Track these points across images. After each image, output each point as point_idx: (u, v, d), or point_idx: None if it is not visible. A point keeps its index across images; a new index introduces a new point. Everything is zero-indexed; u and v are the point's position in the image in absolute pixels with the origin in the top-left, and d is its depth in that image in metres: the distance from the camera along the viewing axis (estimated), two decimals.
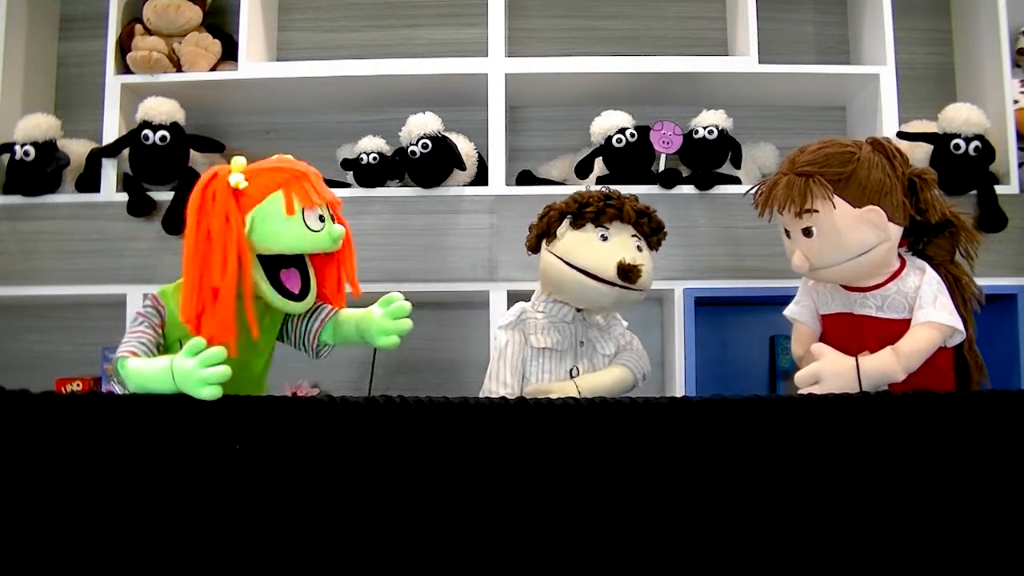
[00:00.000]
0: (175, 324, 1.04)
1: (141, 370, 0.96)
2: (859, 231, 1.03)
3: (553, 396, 1.03)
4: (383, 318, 1.05)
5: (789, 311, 1.18)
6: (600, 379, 1.24)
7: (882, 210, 1.03)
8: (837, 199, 1.03)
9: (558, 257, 1.22)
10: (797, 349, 1.17)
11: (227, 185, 1.02)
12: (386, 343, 1.05)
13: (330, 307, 1.14)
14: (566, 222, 1.24)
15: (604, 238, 1.20)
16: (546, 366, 1.26)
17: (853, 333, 1.07)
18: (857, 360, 1.01)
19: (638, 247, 1.21)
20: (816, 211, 1.03)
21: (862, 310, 1.08)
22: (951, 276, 1.11)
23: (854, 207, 1.03)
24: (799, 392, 1.03)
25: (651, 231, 1.24)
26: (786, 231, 1.10)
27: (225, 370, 0.89)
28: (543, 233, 1.27)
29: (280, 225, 1.03)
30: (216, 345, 0.92)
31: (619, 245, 1.20)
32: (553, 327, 1.26)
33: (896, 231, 1.06)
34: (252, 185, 1.03)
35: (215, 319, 0.98)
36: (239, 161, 1.04)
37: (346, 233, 1.10)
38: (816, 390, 1.01)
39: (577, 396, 1.06)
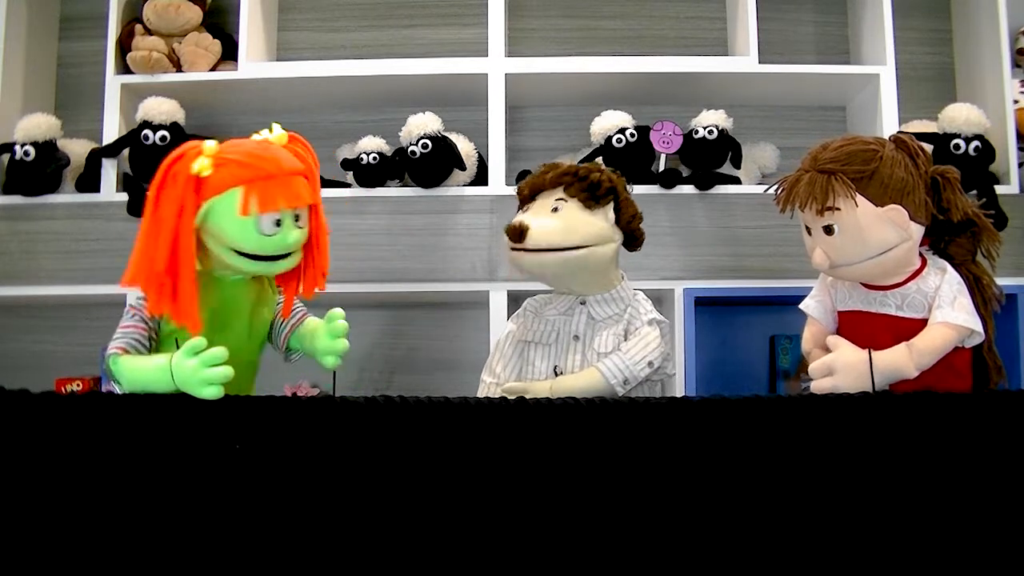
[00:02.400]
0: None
1: (136, 368, 0.95)
2: (881, 230, 1.03)
3: (526, 396, 1.03)
4: (325, 337, 1.06)
5: (804, 305, 1.17)
6: (573, 383, 1.17)
7: (904, 209, 1.03)
8: (859, 197, 1.02)
9: None
10: (807, 344, 1.16)
11: (188, 171, 0.98)
12: (330, 364, 1.06)
13: (303, 313, 1.14)
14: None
15: (525, 211, 1.22)
16: (532, 360, 1.24)
17: (871, 331, 1.07)
18: (870, 354, 1.01)
19: (554, 208, 1.19)
20: (838, 209, 1.03)
21: (881, 308, 1.08)
22: (972, 276, 1.10)
23: (876, 206, 1.03)
24: (812, 382, 1.04)
25: (582, 189, 1.19)
26: (807, 228, 1.09)
27: (227, 370, 0.90)
28: None
29: (231, 224, 0.99)
30: (184, 328, 0.95)
31: (529, 214, 1.20)
32: (540, 318, 1.24)
33: (918, 230, 1.05)
34: (216, 174, 0.98)
35: (179, 304, 0.97)
36: (209, 145, 1.00)
37: (316, 230, 1.09)
38: (829, 382, 1.01)
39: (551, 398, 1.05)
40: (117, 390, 0.98)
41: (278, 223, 1.02)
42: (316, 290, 1.12)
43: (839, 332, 1.12)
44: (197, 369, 0.89)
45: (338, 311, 1.08)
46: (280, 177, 1.02)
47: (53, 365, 1.97)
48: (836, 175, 1.03)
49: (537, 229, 1.16)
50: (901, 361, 1.01)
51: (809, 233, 1.09)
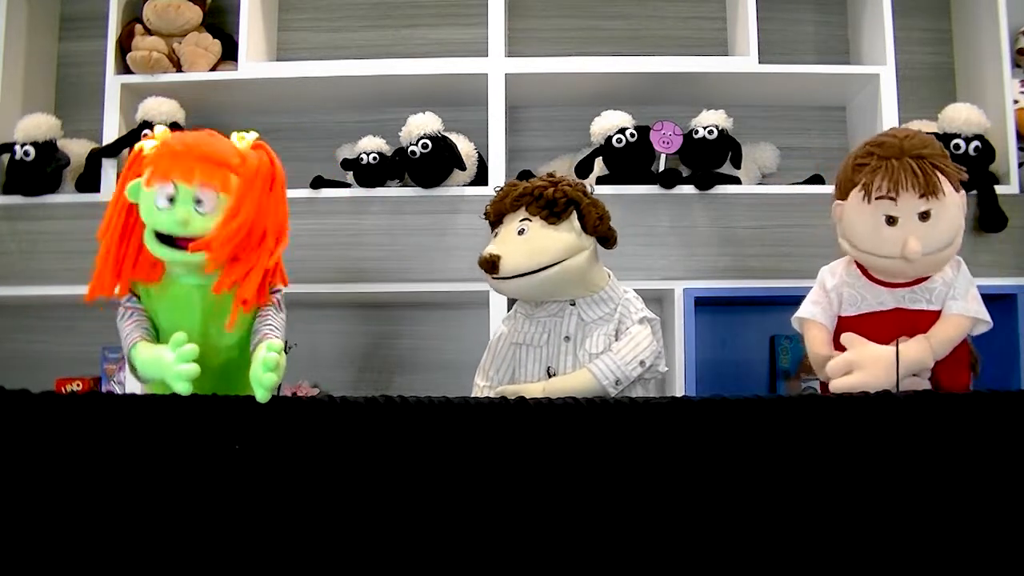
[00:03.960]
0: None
1: (146, 355, 1.02)
2: (960, 215, 1.05)
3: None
4: (257, 367, 0.95)
5: (809, 312, 1.16)
6: (566, 384, 1.17)
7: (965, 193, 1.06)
8: (948, 182, 1.04)
9: None
10: (822, 348, 1.13)
11: (139, 151, 1.06)
12: (259, 397, 0.94)
13: (264, 333, 1.07)
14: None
15: (495, 235, 1.24)
16: (525, 362, 1.24)
17: (904, 328, 1.07)
18: (897, 346, 1.02)
19: (520, 231, 1.19)
20: (943, 193, 1.03)
21: (913, 305, 1.08)
22: None
23: (956, 191, 1.05)
24: (832, 381, 1.04)
25: (541, 207, 1.19)
26: (888, 218, 1.05)
27: (194, 368, 0.93)
28: None
29: (143, 197, 1.04)
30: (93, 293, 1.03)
31: (498, 240, 1.22)
32: (531, 320, 1.25)
33: None
34: (151, 153, 1.05)
35: (96, 273, 1.04)
36: (160, 130, 1.08)
37: (240, 221, 1.04)
38: (854, 379, 1.02)
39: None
40: (117, 391, 0.99)
41: (172, 200, 1.03)
42: (280, 287, 1.13)
43: (878, 335, 1.09)
44: (173, 364, 0.93)
45: (276, 342, 0.99)
46: (183, 156, 1.04)
47: (53, 365, 1.96)
48: (933, 159, 1.03)
49: (507, 257, 1.17)
50: (924, 352, 1.04)
51: (890, 223, 1.05)
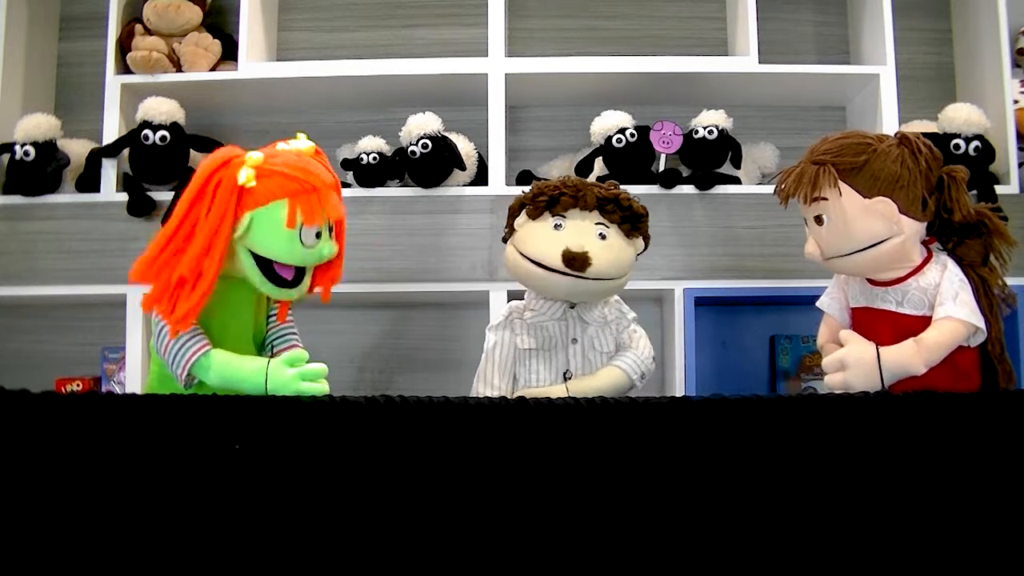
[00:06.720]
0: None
1: (230, 364, 1.00)
2: (867, 221, 1.03)
3: None
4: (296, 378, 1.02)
5: (820, 302, 1.20)
6: (593, 383, 1.19)
7: (893, 202, 1.03)
8: (845, 187, 1.03)
9: (515, 248, 1.21)
10: (821, 339, 1.18)
11: (234, 181, 1.00)
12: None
13: (295, 342, 1.17)
14: (524, 213, 1.21)
15: (558, 226, 1.17)
16: (534, 367, 1.24)
17: (873, 327, 1.07)
18: (878, 350, 1.01)
19: (600, 235, 1.17)
20: (825, 199, 1.04)
21: (882, 304, 1.08)
22: (978, 278, 1.08)
23: (864, 197, 1.03)
24: (825, 377, 1.06)
25: (623, 218, 1.18)
26: (805, 220, 1.11)
27: (323, 387, 0.96)
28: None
29: (276, 235, 1.02)
30: (178, 329, 0.98)
31: (573, 233, 1.16)
32: (539, 326, 1.24)
33: (911, 225, 1.05)
34: (261, 185, 1.01)
35: (181, 307, 0.99)
36: (254, 156, 1.03)
37: (340, 242, 1.13)
38: (840, 378, 1.03)
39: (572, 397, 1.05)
40: (117, 391, 0.99)
41: (318, 235, 1.06)
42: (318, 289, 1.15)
43: (853, 329, 1.12)
44: (293, 380, 0.95)
45: (303, 353, 1.06)
46: (322, 190, 1.05)
47: (53, 365, 1.96)
48: (825, 166, 1.04)
49: (597, 260, 1.14)
50: (909, 357, 1.01)
51: (807, 225, 1.11)
